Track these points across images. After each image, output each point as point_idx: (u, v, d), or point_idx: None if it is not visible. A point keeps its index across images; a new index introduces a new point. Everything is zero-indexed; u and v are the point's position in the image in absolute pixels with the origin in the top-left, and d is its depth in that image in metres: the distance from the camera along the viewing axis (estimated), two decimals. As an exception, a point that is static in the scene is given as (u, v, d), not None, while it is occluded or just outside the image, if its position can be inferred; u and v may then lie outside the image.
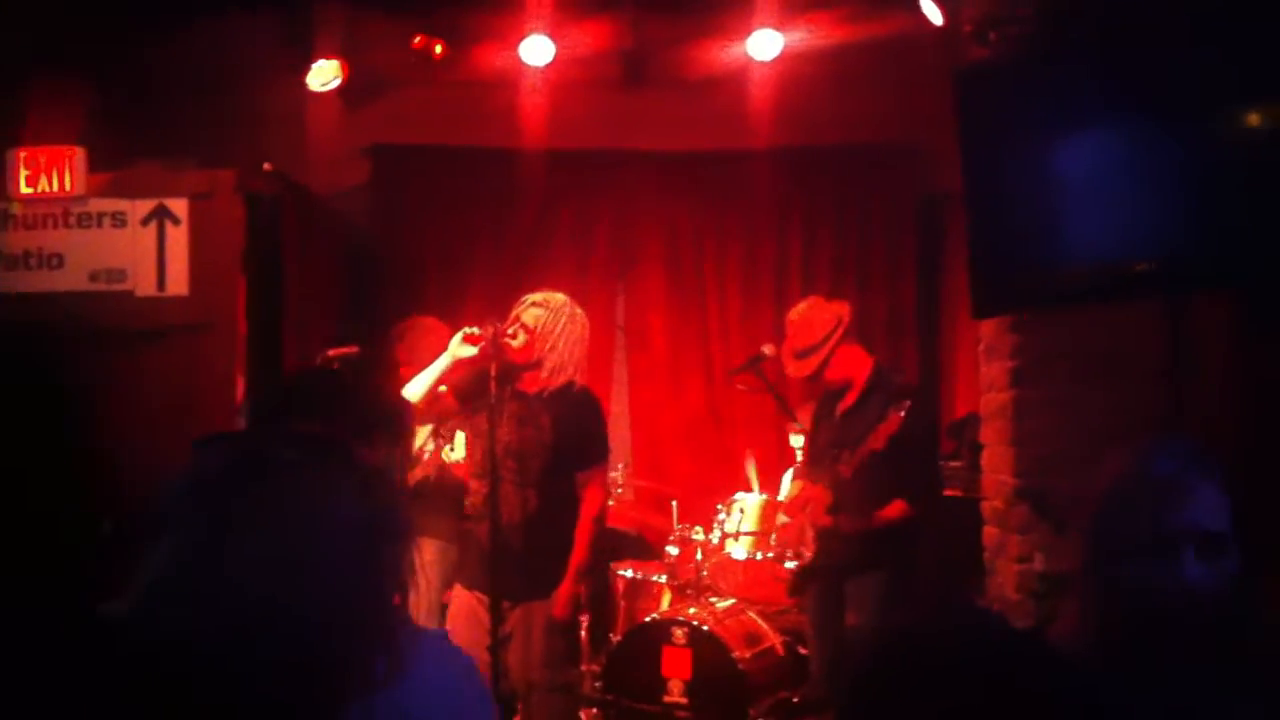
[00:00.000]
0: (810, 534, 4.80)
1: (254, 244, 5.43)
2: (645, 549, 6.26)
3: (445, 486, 4.93)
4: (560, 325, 4.34)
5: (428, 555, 4.95)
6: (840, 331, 4.70)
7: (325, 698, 1.13)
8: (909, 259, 7.11)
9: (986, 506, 4.64)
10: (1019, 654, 1.31)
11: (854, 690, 1.33)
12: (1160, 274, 3.45)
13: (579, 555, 4.27)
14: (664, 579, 5.54)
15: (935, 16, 5.02)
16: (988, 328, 4.60)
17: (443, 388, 4.29)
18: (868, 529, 4.52)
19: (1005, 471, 4.41)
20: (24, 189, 5.27)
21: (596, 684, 5.21)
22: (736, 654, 4.90)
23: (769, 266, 7.14)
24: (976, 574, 4.67)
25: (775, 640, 5.25)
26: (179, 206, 5.30)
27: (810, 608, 4.95)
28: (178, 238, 5.30)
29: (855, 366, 4.76)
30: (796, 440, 5.51)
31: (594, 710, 5.20)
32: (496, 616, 4.07)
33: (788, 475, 5.69)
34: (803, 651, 5.22)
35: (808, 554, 4.88)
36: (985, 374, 4.65)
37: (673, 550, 5.57)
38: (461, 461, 4.97)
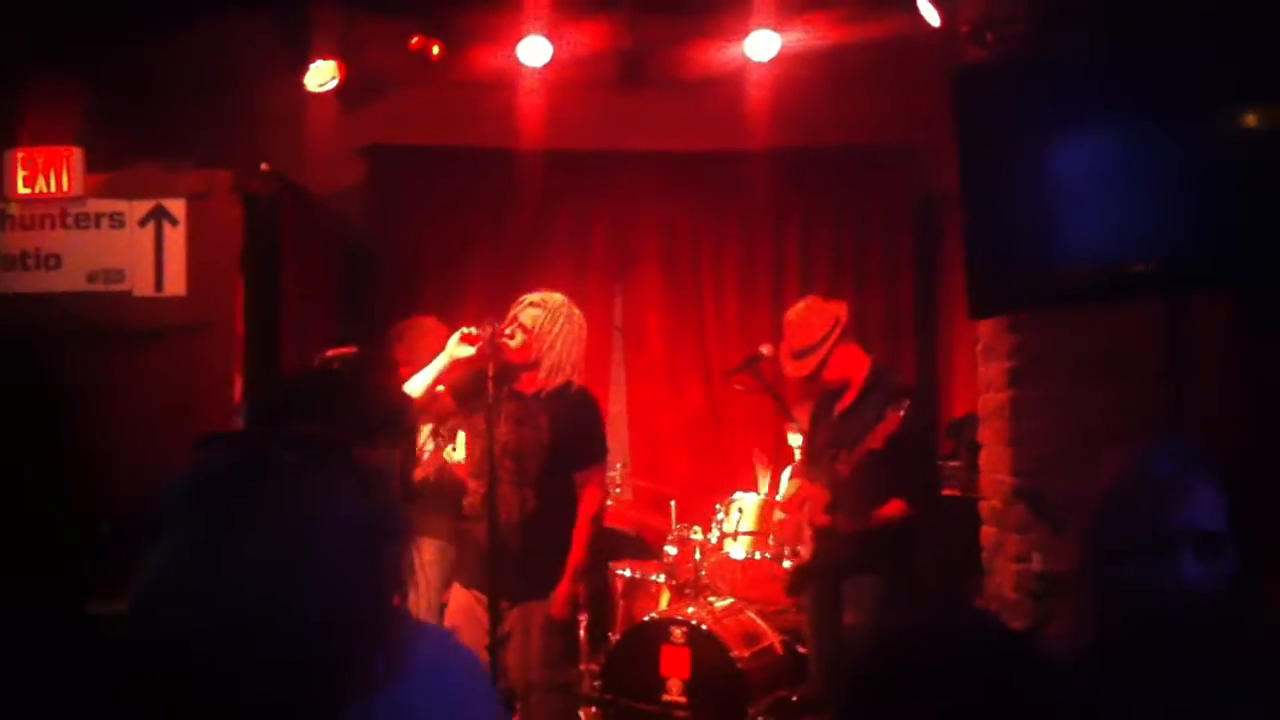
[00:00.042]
0: (808, 533, 4.80)
1: (251, 244, 5.43)
2: (644, 549, 6.26)
3: (445, 486, 4.93)
4: (558, 325, 4.34)
5: (427, 555, 4.95)
6: (838, 331, 4.70)
7: (325, 698, 1.12)
8: (906, 259, 7.13)
9: (985, 506, 4.65)
10: (1016, 655, 1.31)
11: (852, 691, 1.34)
12: (1160, 274, 3.45)
13: (577, 555, 4.27)
14: (662, 578, 5.55)
15: (932, 17, 5.03)
16: (985, 328, 4.61)
17: (440, 387, 4.29)
18: (865, 529, 4.53)
19: (1003, 471, 4.41)
20: (21, 189, 5.27)
21: (595, 683, 5.21)
22: (735, 653, 4.90)
23: (766, 267, 7.15)
24: (975, 574, 4.68)
25: (774, 639, 5.25)
26: (176, 207, 5.30)
27: (808, 607, 4.95)
28: (175, 238, 5.30)
29: (853, 366, 4.76)
30: (795, 439, 5.52)
31: (593, 709, 5.21)
32: (495, 616, 4.07)
33: (786, 474, 5.70)
34: (801, 650, 5.22)
35: (805, 553, 4.89)
36: (983, 374, 4.66)
37: (671, 550, 5.58)
38: (463, 461, 4.97)
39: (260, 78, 6.09)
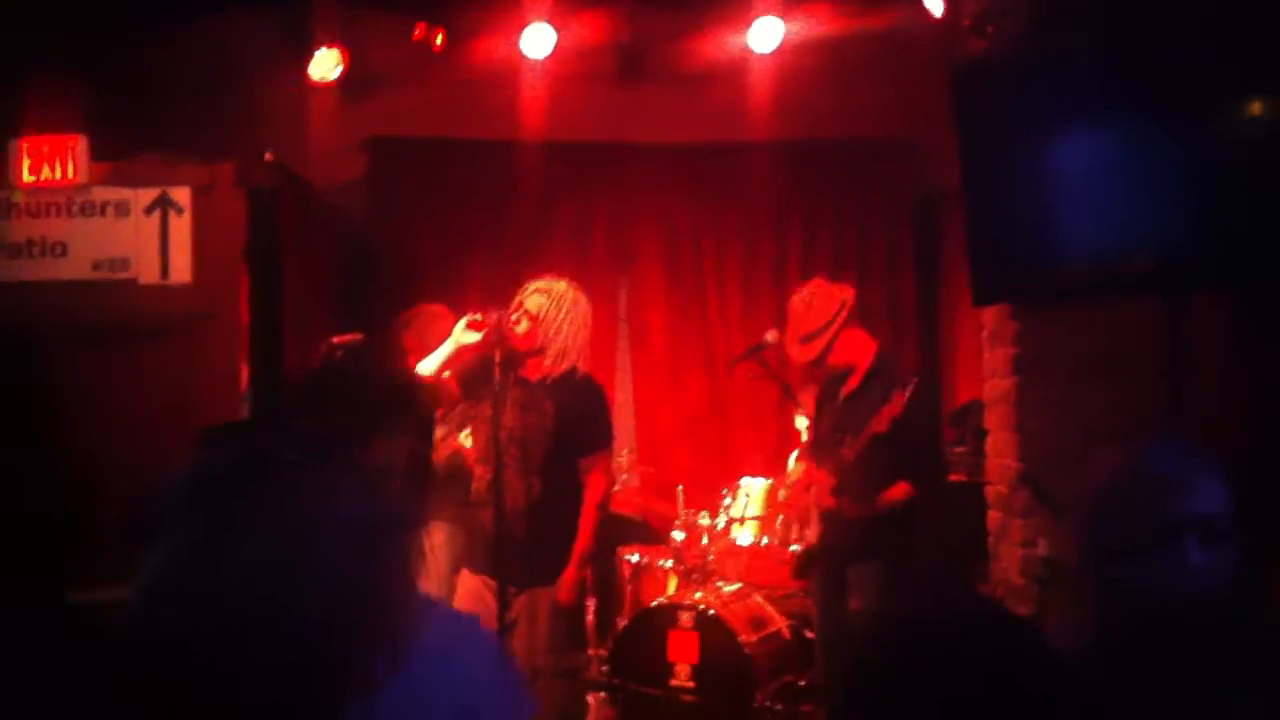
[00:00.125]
0: (815, 515, 4.81)
1: (254, 235, 5.43)
2: (651, 535, 6.27)
3: (455, 471, 4.94)
4: (563, 311, 4.34)
5: (437, 539, 4.97)
6: (844, 315, 4.70)
7: (325, 698, 1.13)
8: (907, 252, 7.13)
9: (990, 491, 4.64)
10: (1018, 644, 1.30)
11: (853, 677, 1.34)
12: (1160, 273, 3.44)
13: (583, 541, 4.29)
14: (670, 564, 5.56)
15: (936, 7, 5.02)
16: (990, 315, 4.60)
17: (446, 374, 4.30)
18: (871, 514, 4.52)
19: (1009, 456, 4.41)
20: (27, 177, 5.26)
21: (603, 668, 5.22)
22: (743, 638, 4.91)
23: (769, 258, 7.13)
24: (980, 559, 4.68)
25: (781, 624, 5.26)
26: (182, 195, 5.29)
27: (815, 591, 4.96)
28: (181, 226, 5.29)
29: (859, 351, 4.76)
30: (801, 422, 5.51)
31: (601, 694, 5.22)
32: (503, 602, 4.08)
33: (793, 458, 5.71)
34: (809, 636, 5.22)
35: (812, 537, 4.89)
36: (988, 360, 4.65)
37: (679, 535, 5.58)
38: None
39: (262, 73, 6.09)
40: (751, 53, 6.03)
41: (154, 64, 5.78)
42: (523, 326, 4.30)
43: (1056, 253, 3.67)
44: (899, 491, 4.55)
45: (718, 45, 6.11)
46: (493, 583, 4.17)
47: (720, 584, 5.35)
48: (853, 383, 4.76)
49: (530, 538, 4.23)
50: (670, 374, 7.15)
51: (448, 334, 4.34)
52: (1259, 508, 1.80)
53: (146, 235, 5.28)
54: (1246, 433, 3.67)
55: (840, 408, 4.77)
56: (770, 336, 5.11)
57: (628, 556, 5.66)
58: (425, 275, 6.94)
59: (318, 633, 1.11)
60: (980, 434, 4.87)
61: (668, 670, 4.97)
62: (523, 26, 5.91)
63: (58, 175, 5.26)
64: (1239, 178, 3.23)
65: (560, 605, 4.27)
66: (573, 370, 4.34)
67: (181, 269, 5.27)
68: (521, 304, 4.35)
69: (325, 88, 6.20)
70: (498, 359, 4.18)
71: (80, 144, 5.26)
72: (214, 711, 1.08)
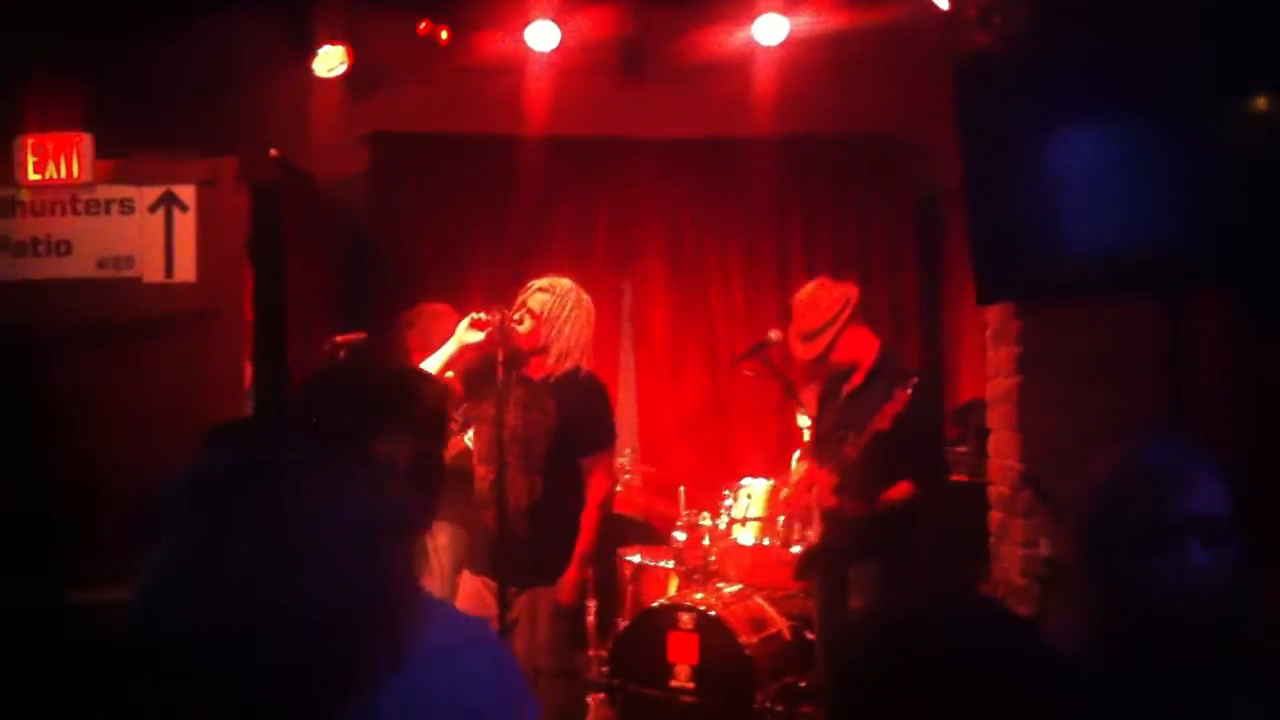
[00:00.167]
0: (816, 515, 4.81)
1: (257, 231, 5.43)
2: (652, 535, 6.27)
3: (459, 471, 4.94)
4: (566, 310, 4.34)
5: (440, 540, 4.97)
6: (848, 312, 4.70)
7: (325, 698, 1.13)
8: (909, 250, 7.12)
9: (992, 491, 4.64)
10: (1018, 645, 1.30)
11: (851, 677, 1.34)
12: (1160, 273, 3.44)
13: (584, 541, 4.28)
14: (671, 564, 5.55)
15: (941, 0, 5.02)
16: (994, 314, 4.60)
17: (449, 373, 4.29)
18: (872, 513, 4.52)
19: (1011, 456, 4.40)
20: (32, 175, 5.27)
21: (603, 669, 5.22)
22: (743, 639, 4.90)
23: (771, 254, 7.14)
24: (982, 559, 4.68)
25: (782, 625, 5.26)
26: (186, 193, 5.30)
27: (815, 592, 4.96)
28: (185, 224, 5.29)
29: (862, 348, 4.76)
30: (803, 420, 5.51)
31: (601, 695, 5.22)
32: (504, 602, 4.08)
33: (795, 456, 5.71)
34: (809, 636, 5.22)
35: (813, 536, 4.89)
36: (991, 359, 4.65)
37: (680, 536, 5.58)
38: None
39: (264, 69, 6.08)
40: (754, 48, 6.03)
41: (156, 62, 5.78)
42: (526, 325, 4.30)
43: (1057, 251, 3.67)
44: (900, 490, 4.54)
45: (721, 41, 6.11)
46: (493, 584, 4.17)
47: (721, 585, 5.35)
48: (856, 380, 4.76)
49: (532, 537, 4.22)
50: (672, 372, 7.16)
51: (451, 333, 4.34)
52: (1259, 508, 1.80)
53: (151, 233, 5.29)
54: (1246, 433, 3.67)
55: (843, 405, 4.77)
56: (773, 335, 5.10)
57: (629, 557, 5.66)
58: (427, 271, 6.95)
59: (318, 633, 1.11)
60: (982, 433, 4.86)
61: (668, 671, 4.96)
62: (526, 22, 5.92)
63: (62, 173, 5.27)
64: (1239, 178, 3.22)
65: (561, 605, 4.26)
66: (576, 369, 4.34)
67: (186, 266, 5.28)
68: (525, 303, 4.35)
69: (328, 83, 6.20)
70: (501, 358, 4.17)
71: (85, 142, 5.26)
72: (214, 711, 1.08)
